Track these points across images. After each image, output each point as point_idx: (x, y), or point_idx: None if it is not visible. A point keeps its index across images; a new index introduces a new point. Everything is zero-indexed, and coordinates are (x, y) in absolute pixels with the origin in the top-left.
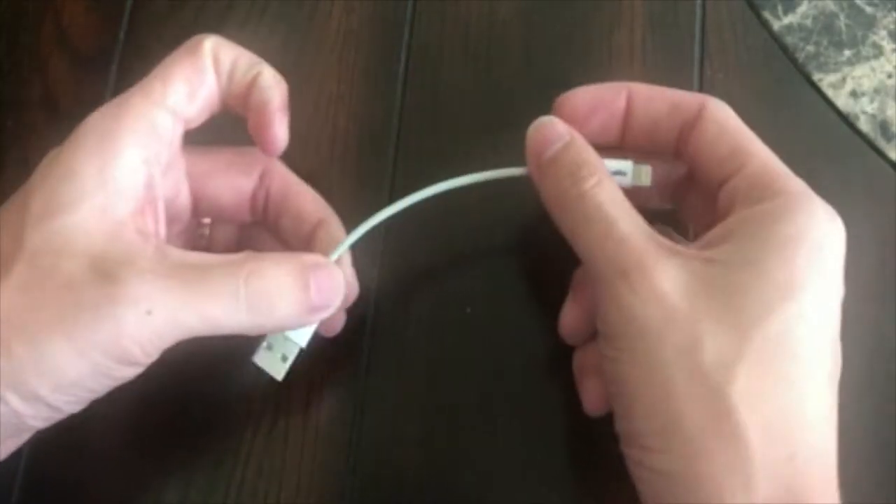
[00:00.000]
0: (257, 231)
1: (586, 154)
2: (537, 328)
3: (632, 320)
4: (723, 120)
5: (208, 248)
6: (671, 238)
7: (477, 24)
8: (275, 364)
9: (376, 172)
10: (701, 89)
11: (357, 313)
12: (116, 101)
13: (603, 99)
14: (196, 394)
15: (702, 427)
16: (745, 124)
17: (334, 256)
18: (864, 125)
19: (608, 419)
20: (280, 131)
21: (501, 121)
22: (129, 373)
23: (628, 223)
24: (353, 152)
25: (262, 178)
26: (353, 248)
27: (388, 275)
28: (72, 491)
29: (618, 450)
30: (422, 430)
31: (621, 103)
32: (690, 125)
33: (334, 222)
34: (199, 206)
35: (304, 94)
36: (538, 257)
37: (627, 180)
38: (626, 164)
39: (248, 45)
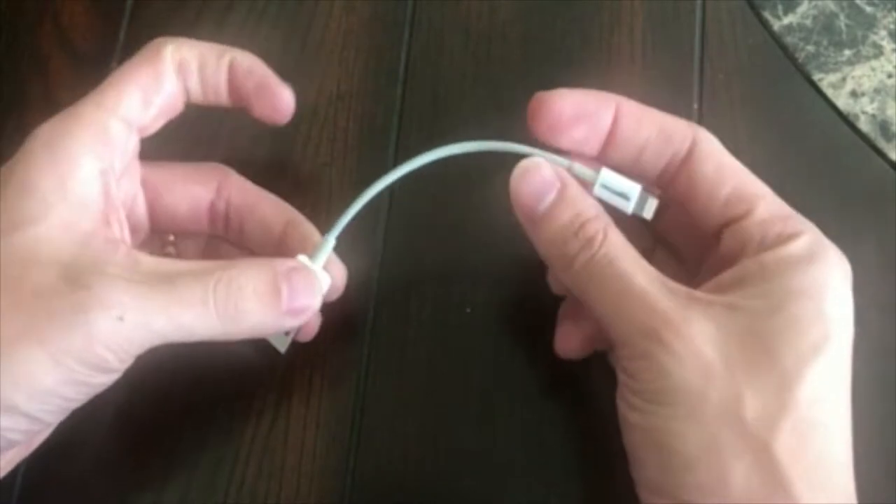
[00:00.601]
0: (225, 246)
1: (583, 205)
2: (537, 328)
3: (668, 378)
4: (718, 158)
5: None
6: (676, 272)
7: (477, 24)
8: (277, 336)
9: (376, 172)
10: (701, 89)
11: (357, 313)
12: (68, 111)
13: (588, 110)
14: (196, 394)
15: (748, 480)
16: (733, 156)
17: (319, 260)
18: (864, 125)
19: (607, 420)
20: (284, 92)
21: (502, 121)
22: (104, 379)
23: (644, 276)
24: (353, 152)
25: (219, 189)
26: (353, 248)
27: (388, 275)
28: (72, 491)
29: (617, 450)
30: (422, 430)
31: (608, 119)
32: (681, 158)
33: (303, 221)
34: (156, 218)
35: (304, 95)
36: (538, 258)
37: (628, 207)
38: (633, 189)
39: (247, 45)
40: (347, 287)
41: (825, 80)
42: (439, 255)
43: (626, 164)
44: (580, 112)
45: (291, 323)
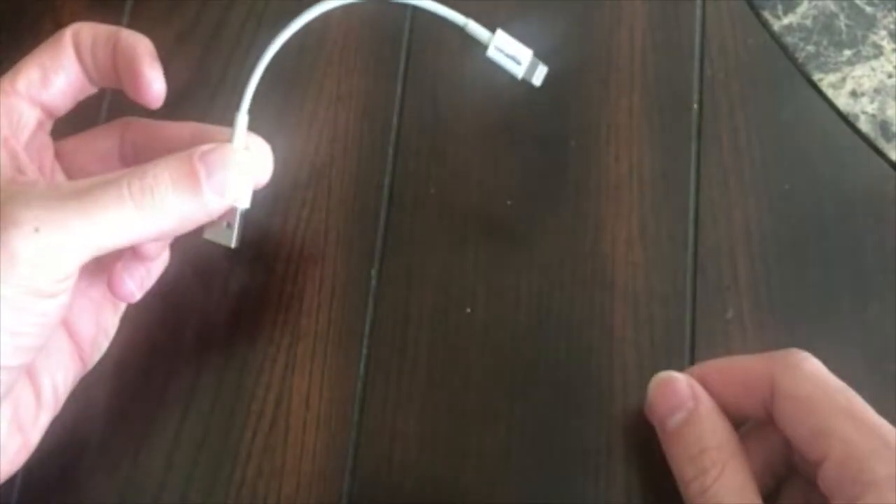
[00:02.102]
0: None
1: (709, 435)
2: (537, 328)
3: None
4: (794, 393)
5: None
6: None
7: (477, 24)
8: (222, 233)
9: (376, 172)
10: (701, 89)
11: (357, 313)
12: None
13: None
14: (196, 394)
15: None
16: (824, 378)
17: (237, 139)
18: (864, 125)
19: (607, 420)
20: (152, 74)
21: (501, 121)
22: (45, 306)
23: None
24: (353, 152)
25: (122, 136)
26: (353, 247)
27: (387, 275)
28: (71, 491)
29: (617, 450)
30: (422, 429)
31: (690, 403)
32: (769, 401)
33: (208, 127)
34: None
35: (304, 95)
36: (538, 258)
37: (519, 72)
38: (525, 54)
39: (247, 45)
40: (347, 287)
41: (825, 80)
42: (439, 254)
43: (738, 418)
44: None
45: (218, 202)
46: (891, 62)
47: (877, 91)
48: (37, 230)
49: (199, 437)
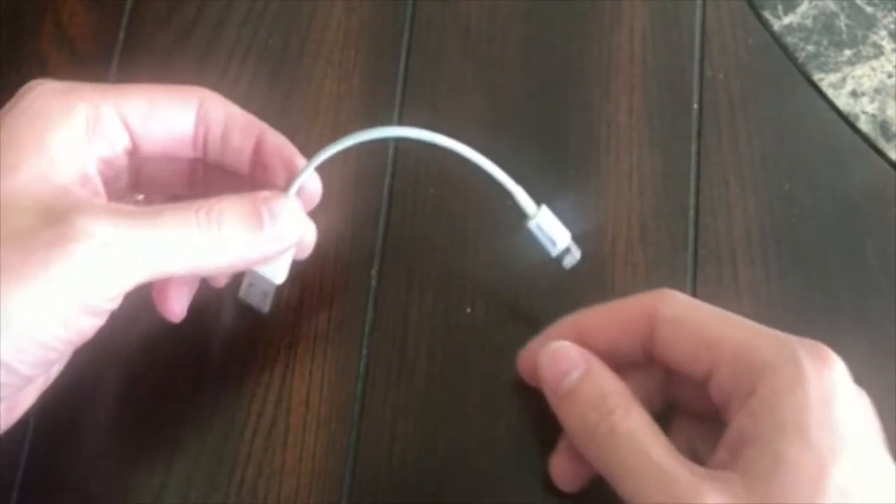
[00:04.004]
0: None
1: (608, 383)
2: (537, 328)
3: None
4: (674, 318)
5: None
6: (701, 434)
7: (477, 24)
8: (259, 301)
9: (376, 172)
10: (701, 89)
11: (357, 313)
12: (70, 83)
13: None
14: (196, 394)
15: None
16: (701, 303)
17: (293, 189)
18: (864, 125)
19: None
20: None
21: (501, 121)
22: (86, 324)
23: (665, 454)
24: (353, 152)
25: (198, 114)
26: (353, 248)
27: (387, 274)
28: (71, 491)
29: None
30: (422, 429)
31: (583, 364)
32: (649, 336)
33: (270, 131)
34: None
35: (304, 95)
36: (538, 258)
37: (553, 251)
38: (564, 236)
39: (247, 45)
40: (347, 286)
41: (825, 80)
42: (439, 254)
43: (611, 363)
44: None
45: (275, 247)
46: (891, 62)
47: (877, 91)
48: (105, 245)
49: (200, 436)
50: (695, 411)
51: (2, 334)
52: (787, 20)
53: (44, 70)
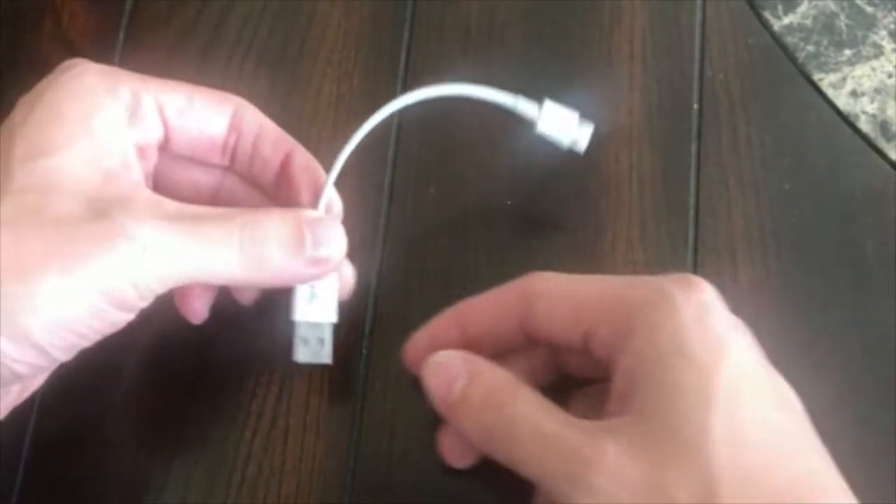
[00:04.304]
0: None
1: (494, 379)
2: None
3: None
4: (547, 291)
5: None
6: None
7: (477, 24)
8: (317, 352)
9: (376, 172)
10: (701, 89)
11: (357, 313)
12: (112, 67)
13: (437, 339)
14: (196, 394)
15: None
16: (566, 274)
17: (321, 206)
18: (864, 125)
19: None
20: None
21: (501, 121)
22: (119, 318)
23: (559, 424)
24: (353, 152)
25: (232, 118)
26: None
27: (387, 274)
28: (71, 491)
29: None
30: (422, 430)
31: (455, 334)
32: (526, 316)
33: (299, 150)
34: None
35: (304, 95)
36: (538, 258)
37: (567, 140)
38: (571, 120)
39: (247, 45)
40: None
41: (825, 80)
42: (439, 254)
43: (493, 351)
44: (432, 345)
45: (312, 274)
46: (891, 62)
47: (877, 91)
48: (145, 250)
49: (200, 436)
50: (587, 377)
51: (39, 318)
52: (787, 20)
53: (44, 70)
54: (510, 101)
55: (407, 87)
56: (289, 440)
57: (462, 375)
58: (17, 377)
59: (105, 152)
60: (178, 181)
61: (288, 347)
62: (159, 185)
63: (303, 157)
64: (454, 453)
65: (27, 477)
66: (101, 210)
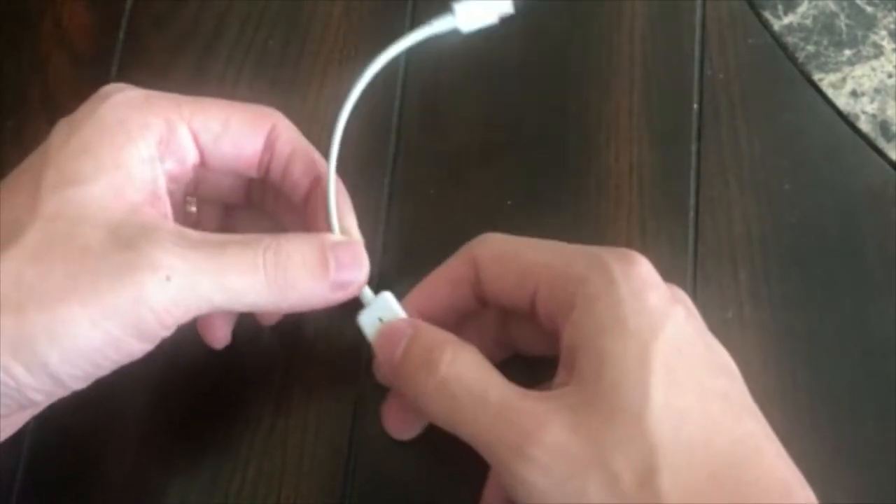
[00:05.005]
0: (243, 213)
1: (432, 335)
2: None
3: (545, 495)
4: (493, 255)
5: (195, 226)
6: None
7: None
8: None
9: (376, 172)
10: (701, 89)
11: (357, 312)
12: (147, 93)
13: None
14: (196, 395)
15: None
16: (513, 237)
17: (334, 221)
18: (864, 125)
19: None
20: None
21: (501, 121)
22: (138, 348)
23: (498, 389)
24: (352, 153)
25: (269, 138)
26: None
27: (388, 275)
28: (71, 491)
29: None
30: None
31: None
32: (474, 281)
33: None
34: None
35: (303, 95)
36: None
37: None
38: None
39: (247, 45)
40: None
41: (825, 80)
42: (439, 254)
43: (450, 322)
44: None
45: (336, 298)
46: (891, 62)
47: (877, 91)
48: (168, 279)
49: (200, 436)
50: (538, 353)
51: (57, 348)
52: (787, 20)
53: (44, 70)
54: (427, 30)
55: (407, 87)
56: (289, 440)
57: (405, 337)
58: (33, 404)
59: (133, 184)
60: (214, 185)
61: (288, 347)
62: (199, 190)
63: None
64: (398, 423)
65: (27, 478)
66: (126, 240)
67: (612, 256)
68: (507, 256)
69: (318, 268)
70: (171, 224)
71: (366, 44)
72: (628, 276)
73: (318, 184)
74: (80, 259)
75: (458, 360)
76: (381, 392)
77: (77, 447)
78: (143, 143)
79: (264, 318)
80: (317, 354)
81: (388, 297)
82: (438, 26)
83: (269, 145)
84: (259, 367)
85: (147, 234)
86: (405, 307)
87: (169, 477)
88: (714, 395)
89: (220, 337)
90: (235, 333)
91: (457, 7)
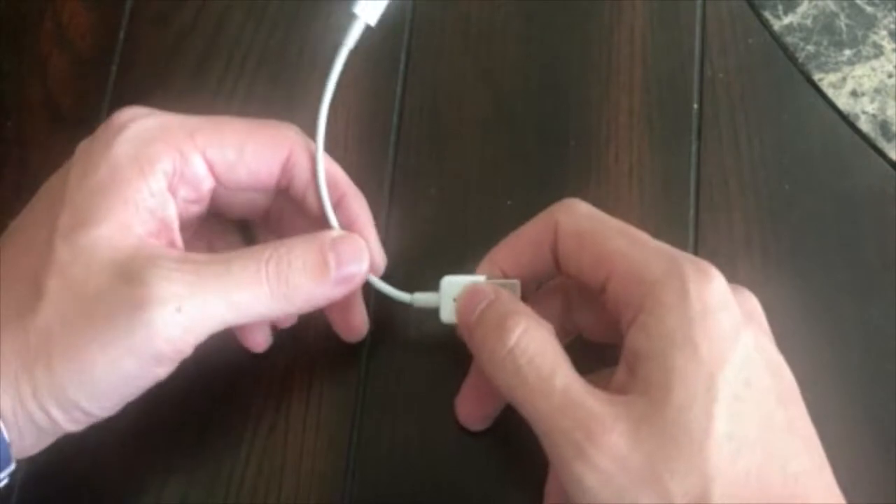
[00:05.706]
0: (263, 236)
1: (511, 305)
2: None
3: (596, 497)
4: (574, 231)
5: (218, 239)
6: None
7: (477, 23)
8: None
9: (376, 172)
10: (701, 89)
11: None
12: (162, 122)
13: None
14: (196, 395)
15: None
16: (599, 214)
17: (329, 214)
18: (864, 125)
19: None
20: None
21: (501, 121)
22: (161, 371)
23: (567, 378)
24: (353, 153)
25: (287, 157)
26: None
27: (387, 274)
28: (72, 491)
29: None
30: (422, 430)
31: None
32: (554, 247)
33: (352, 195)
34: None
35: (303, 96)
36: None
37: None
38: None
39: (247, 45)
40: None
41: (825, 80)
42: (439, 255)
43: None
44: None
45: (342, 292)
46: (891, 62)
47: (877, 91)
48: (178, 310)
49: (199, 436)
50: (600, 340)
51: (84, 391)
52: (787, 20)
53: (44, 70)
54: (346, 49)
55: (407, 87)
56: (289, 440)
57: (485, 300)
58: (66, 432)
59: (140, 217)
60: (232, 203)
61: (288, 347)
62: (215, 207)
63: (352, 207)
64: (471, 418)
65: (27, 478)
66: (132, 276)
67: (690, 267)
68: (586, 235)
69: (318, 270)
70: (175, 252)
71: (366, 44)
72: (701, 293)
73: (339, 208)
74: (94, 304)
75: (529, 334)
76: (381, 392)
77: (77, 447)
78: (153, 178)
79: (280, 322)
80: (317, 354)
81: (448, 279)
82: (353, 37)
83: (287, 171)
84: (259, 367)
85: (152, 265)
86: (487, 262)
87: (169, 477)
88: (776, 428)
89: (259, 341)
90: (236, 331)
91: (357, 10)
